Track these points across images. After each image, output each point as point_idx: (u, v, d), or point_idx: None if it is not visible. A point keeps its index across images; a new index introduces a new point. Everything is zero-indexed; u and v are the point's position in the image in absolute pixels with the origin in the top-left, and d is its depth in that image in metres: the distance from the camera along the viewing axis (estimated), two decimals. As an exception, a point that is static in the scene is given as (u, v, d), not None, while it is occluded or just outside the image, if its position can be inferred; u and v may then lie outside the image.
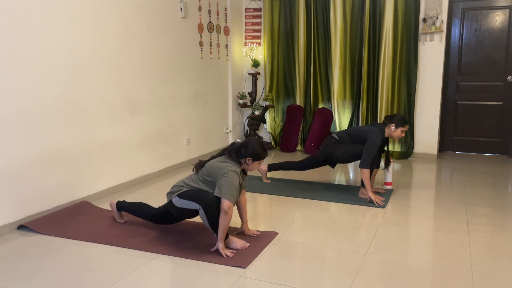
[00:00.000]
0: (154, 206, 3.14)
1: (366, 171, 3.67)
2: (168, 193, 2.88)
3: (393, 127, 3.76)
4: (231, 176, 2.64)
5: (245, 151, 2.74)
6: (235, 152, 2.76)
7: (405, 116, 3.80)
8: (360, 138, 3.82)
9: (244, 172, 2.86)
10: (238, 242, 2.74)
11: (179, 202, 2.76)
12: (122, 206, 3.21)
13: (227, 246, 2.70)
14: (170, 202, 2.83)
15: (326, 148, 3.99)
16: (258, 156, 2.76)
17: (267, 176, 4.52)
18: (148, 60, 4.41)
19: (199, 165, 2.85)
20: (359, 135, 3.84)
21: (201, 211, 2.65)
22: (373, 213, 3.49)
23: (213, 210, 2.62)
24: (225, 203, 2.58)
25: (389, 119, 3.81)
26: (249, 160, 2.75)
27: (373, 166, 3.83)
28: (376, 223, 3.24)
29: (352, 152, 3.84)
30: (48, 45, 3.32)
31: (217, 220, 2.62)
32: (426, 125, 5.61)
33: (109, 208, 3.49)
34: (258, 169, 4.46)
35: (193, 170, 2.89)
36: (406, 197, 3.95)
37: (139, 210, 3.15)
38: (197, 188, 2.76)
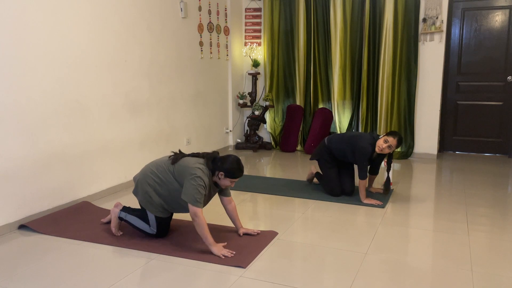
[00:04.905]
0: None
1: (363, 182, 3.69)
2: (138, 190, 2.86)
3: (380, 137, 3.69)
4: (197, 182, 2.60)
5: (220, 164, 2.68)
6: (212, 161, 2.70)
7: (398, 132, 3.73)
8: (352, 144, 3.74)
9: (216, 184, 2.79)
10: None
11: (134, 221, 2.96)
12: (124, 220, 2.98)
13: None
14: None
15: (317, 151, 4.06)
16: (232, 174, 2.69)
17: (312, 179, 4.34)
18: (148, 60, 4.41)
19: (178, 157, 2.78)
20: (352, 140, 3.77)
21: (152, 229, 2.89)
22: (373, 213, 3.49)
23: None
24: (191, 209, 2.62)
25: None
26: (221, 174, 2.69)
27: (371, 173, 3.95)
28: (376, 223, 3.25)
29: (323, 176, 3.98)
30: (48, 45, 3.32)
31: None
32: (426, 125, 5.61)
33: (110, 208, 3.49)
34: (311, 169, 4.29)
35: (169, 158, 2.81)
36: (406, 197, 3.95)
37: (141, 230, 2.94)
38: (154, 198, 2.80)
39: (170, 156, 2.83)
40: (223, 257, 2.59)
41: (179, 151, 2.89)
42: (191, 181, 2.61)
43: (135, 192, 2.88)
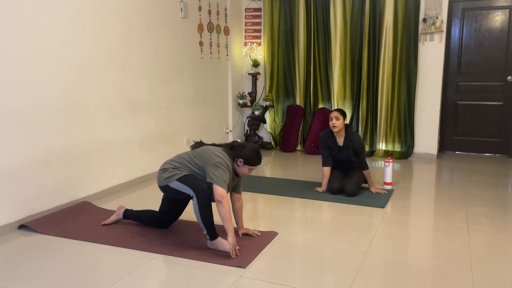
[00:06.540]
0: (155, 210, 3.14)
1: (324, 169, 4.03)
2: (161, 170, 2.83)
3: None
4: (222, 168, 2.65)
5: (239, 151, 2.73)
6: (231, 148, 2.77)
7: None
8: None
9: (236, 174, 2.83)
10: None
11: (175, 184, 2.74)
12: (129, 215, 3.16)
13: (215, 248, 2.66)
14: (166, 186, 2.79)
15: None
16: (250, 162, 2.73)
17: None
18: (148, 60, 4.41)
19: (198, 144, 2.89)
20: None
21: (194, 199, 2.63)
22: (373, 213, 3.49)
23: (204, 198, 2.60)
24: (218, 190, 2.58)
25: None
26: (240, 161, 2.73)
27: (361, 168, 4.01)
28: (376, 223, 3.25)
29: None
30: (48, 45, 3.32)
31: (207, 211, 2.61)
32: (426, 125, 5.61)
33: (110, 208, 3.49)
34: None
35: (190, 147, 2.92)
36: (406, 197, 3.95)
37: (146, 216, 3.11)
38: (190, 173, 2.76)
39: (191, 146, 2.94)
40: (233, 253, 2.57)
41: (200, 140, 2.97)
42: (216, 166, 2.65)
43: (157, 178, 2.88)
